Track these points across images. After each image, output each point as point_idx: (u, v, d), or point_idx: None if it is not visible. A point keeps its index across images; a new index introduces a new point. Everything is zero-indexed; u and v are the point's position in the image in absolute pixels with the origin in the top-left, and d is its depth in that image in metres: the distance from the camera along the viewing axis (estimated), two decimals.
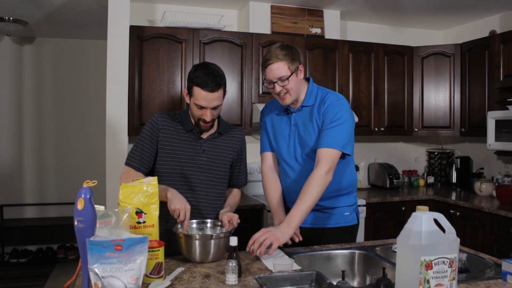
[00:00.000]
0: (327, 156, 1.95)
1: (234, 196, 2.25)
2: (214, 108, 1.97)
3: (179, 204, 1.83)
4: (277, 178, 2.24)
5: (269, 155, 2.27)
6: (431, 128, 4.30)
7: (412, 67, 4.29)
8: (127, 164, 2.05)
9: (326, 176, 1.93)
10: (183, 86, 3.56)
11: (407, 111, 4.29)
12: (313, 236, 2.10)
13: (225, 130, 2.16)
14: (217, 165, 2.10)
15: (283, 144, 2.17)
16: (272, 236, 1.77)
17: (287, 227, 1.84)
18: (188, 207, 1.84)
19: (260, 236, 1.77)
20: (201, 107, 1.95)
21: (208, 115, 1.96)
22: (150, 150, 2.04)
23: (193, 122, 2.07)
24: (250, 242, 1.77)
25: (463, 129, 4.15)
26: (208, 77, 1.91)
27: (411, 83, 4.29)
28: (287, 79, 1.98)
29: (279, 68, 1.98)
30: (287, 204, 2.20)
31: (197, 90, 1.93)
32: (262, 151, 2.29)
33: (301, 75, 2.06)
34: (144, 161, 2.03)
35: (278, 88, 2.01)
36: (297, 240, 1.95)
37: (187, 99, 2.03)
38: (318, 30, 4.02)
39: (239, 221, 1.93)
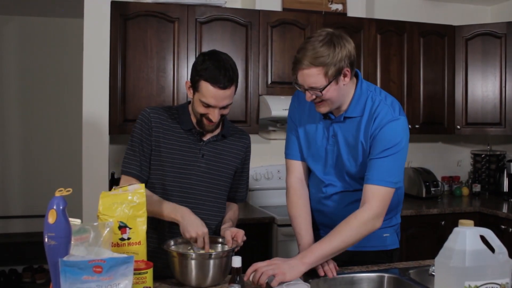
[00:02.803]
0: (379, 197, 1.86)
1: (234, 211, 2.26)
2: (224, 107, 1.98)
3: (195, 231, 1.85)
4: (307, 196, 2.14)
5: (298, 165, 2.15)
6: (477, 125, 4.28)
7: (454, 50, 4.27)
8: (125, 173, 2.05)
9: (375, 222, 1.85)
10: (175, 74, 3.57)
11: (448, 104, 4.27)
12: (342, 260, 2.02)
13: (230, 132, 2.16)
14: (218, 173, 2.11)
15: (317, 161, 2.07)
16: (277, 269, 1.71)
17: (298, 262, 1.77)
18: (206, 231, 1.87)
19: (263, 267, 1.72)
20: (208, 106, 1.95)
21: (216, 115, 1.97)
22: (149, 153, 2.06)
23: (193, 120, 2.08)
24: (250, 269, 1.73)
25: None
26: (220, 70, 1.91)
27: (452, 70, 4.28)
28: (321, 90, 1.84)
29: (311, 75, 1.82)
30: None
31: (205, 86, 1.92)
32: (289, 157, 2.17)
33: (346, 80, 1.88)
34: (144, 168, 2.05)
35: (309, 96, 1.88)
36: (330, 275, 1.88)
37: (189, 94, 2.03)
38: (339, 6, 4.01)
39: (245, 238, 1.93)
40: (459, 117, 4.29)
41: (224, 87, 1.91)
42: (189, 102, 2.13)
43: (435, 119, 4.26)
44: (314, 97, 1.87)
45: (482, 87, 4.25)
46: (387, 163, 1.88)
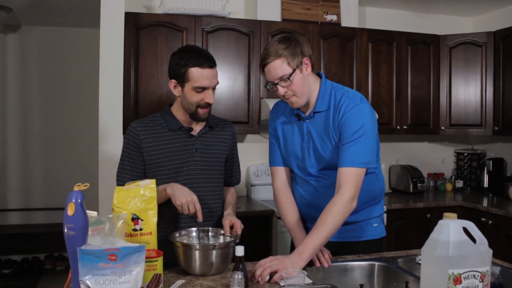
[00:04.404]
0: (351, 178, 1.87)
1: (232, 193, 2.28)
2: (213, 89, 2.02)
3: (184, 197, 1.85)
4: (292, 195, 2.16)
5: (282, 170, 2.17)
6: (460, 126, 4.28)
7: (439, 58, 4.27)
8: (119, 185, 2.04)
9: (351, 203, 1.85)
10: None
11: (433, 107, 4.27)
12: (339, 252, 2.04)
13: (215, 123, 2.17)
14: (213, 163, 2.12)
15: (296, 158, 2.09)
16: (280, 264, 1.72)
17: (298, 258, 1.78)
18: (195, 197, 1.87)
19: (266, 263, 1.73)
20: (203, 89, 1.97)
21: (211, 96, 2.00)
22: (140, 163, 2.05)
23: (180, 119, 2.07)
24: (256, 267, 1.74)
25: (496, 128, 4.12)
26: (201, 55, 1.98)
27: (437, 76, 4.27)
28: (289, 78, 1.89)
29: (277, 66, 1.89)
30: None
31: (195, 71, 1.95)
32: (274, 164, 2.19)
33: (308, 70, 1.95)
34: (136, 176, 2.04)
35: (281, 90, 1.92)
36: (326, 265, 1.89)
37: (176, 92, 2.03)
38: (334, 17, 4.01)
39: (242, 226, 1.94)
40: (443, 119, 4.29)
41: (211, 66, 1.98)
42: (170, 105, 2.13)
43: (421, 120, 4.25)
44: (285, 89, 1.92)
45: (464, 92, 4.25)
46: (356, 146, 1.90)
